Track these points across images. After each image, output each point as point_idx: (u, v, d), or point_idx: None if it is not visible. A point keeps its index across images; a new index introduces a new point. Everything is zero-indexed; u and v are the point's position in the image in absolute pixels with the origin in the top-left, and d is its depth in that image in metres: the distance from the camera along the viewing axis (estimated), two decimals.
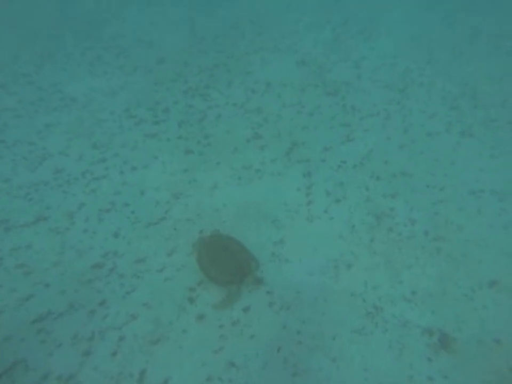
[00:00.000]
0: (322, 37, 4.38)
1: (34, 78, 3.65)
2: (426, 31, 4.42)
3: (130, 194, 2.75)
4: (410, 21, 4.61)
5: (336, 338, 2.06)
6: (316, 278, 2.31)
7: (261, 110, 3.33)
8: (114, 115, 3.33)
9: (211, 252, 2.28)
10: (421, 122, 3.29)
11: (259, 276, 2.29)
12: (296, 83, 3.63)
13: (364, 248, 2.45)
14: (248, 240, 2.42)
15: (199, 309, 2.16)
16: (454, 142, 3.11)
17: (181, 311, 2.16)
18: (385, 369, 1.95)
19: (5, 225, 2.54)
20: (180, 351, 2.01)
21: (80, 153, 3.03)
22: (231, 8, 4.73)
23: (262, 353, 2.01)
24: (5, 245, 2.43)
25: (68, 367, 1.92)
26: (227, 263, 2.24)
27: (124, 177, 2.86)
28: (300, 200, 2.69)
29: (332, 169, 2.89)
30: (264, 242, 2.44)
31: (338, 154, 3.01)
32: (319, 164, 2.93)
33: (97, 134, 3.18)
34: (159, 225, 2.57)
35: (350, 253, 2.42)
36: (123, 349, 2.01)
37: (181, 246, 2.45)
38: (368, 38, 4.42)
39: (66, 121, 3.29)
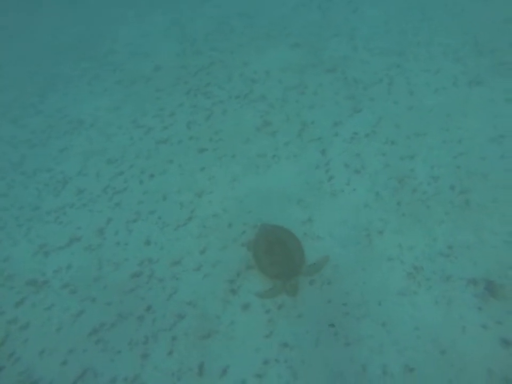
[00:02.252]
0: (310, 16, 4.35)
1: (41, 107, 3.73)
2: None
3: (153, 201, 2.80)
4: None
5: (382, 304, 2.08)
6: (350, 249, 2.32)
7: (265, 98, 3.34)
8: (123, 128, 3.39)
9: (269, 241, 2.26)
10: (425, 81, 3.25)
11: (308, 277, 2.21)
12: (294, 66, 3.62)
13: (392, 212, 2.45)
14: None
15: (242, 299, 2.19)
16: (464, 94, 3.05)
17: (226, 303, 2.20)
18: (436, 325, 1.96)
19: (44, 250, 2.62)
20: (232, 342, 2.05)
21: (97, 171, 3.09)
22: (216, 5, 4.73)
23: (311, 330, 2.04)
24: (48, 269, 2.52)
25: (131, 370, 2.00)
26: (281, 258, 2.20)
27: (144, 186, 2.91)
28: (321, 177, 2.70)
29: (345, 142, 2.89)
30: (293, 224, 2.46)
31: (349, 127, 3.00)
32: (332, 139, 2.93)
33: (110, 150, 3.23)
34: (187, 225, 2.61)
35: (379, 219, 2.43)
36: (178, 347, 2.06)
37: (212, 242, 2.49)
38: (356, 10, 4.37)
39: (78, 142, 3.35)
